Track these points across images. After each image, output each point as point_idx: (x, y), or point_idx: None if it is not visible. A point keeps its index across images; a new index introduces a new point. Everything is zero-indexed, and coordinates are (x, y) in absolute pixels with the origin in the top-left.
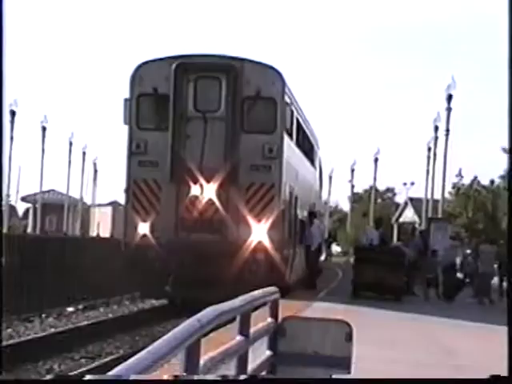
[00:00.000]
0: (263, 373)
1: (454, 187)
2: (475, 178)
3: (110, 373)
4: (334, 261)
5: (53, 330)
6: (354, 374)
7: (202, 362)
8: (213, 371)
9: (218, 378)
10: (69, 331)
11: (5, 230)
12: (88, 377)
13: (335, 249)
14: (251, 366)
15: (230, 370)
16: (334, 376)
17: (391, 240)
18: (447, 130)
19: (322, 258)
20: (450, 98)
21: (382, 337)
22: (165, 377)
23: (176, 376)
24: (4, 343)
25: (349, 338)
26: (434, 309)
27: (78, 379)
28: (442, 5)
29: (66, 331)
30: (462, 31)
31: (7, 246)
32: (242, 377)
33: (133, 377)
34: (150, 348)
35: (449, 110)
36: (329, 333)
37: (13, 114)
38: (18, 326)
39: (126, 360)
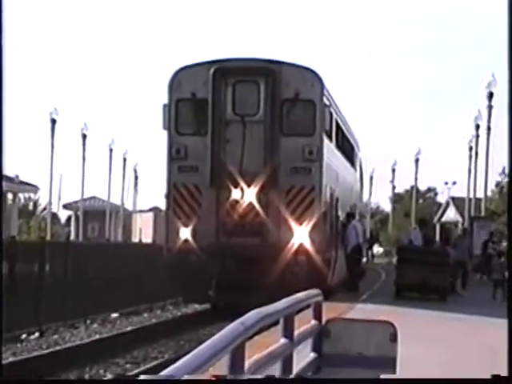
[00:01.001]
0: (308, 374)
1: (497, 185)
2: None
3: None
4: (376, 262)
5: (98, 336)
6: (400, 374)
7: (246, 364)
8: (258, 374)
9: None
10: (113, 337)
11: (48, 238)
12: (142, 377)
13: (377, 250)
14: (296, 369)
15: (274, 372)
16: (380, 377)
17: (434, 240)
18: (488, 128)
19: (364, 259)
20: (490, 95)
21: (426, 337)
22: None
23: (222, 376)
24: (51, 349)
25: (393, 338)
26: (481, 309)
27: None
28: (481, 2)
29: (110, 337)
30: (502, 27)
31: (51, 253)
32: (289, 377)
33: (186, 376)
34: (195, 351)
35: (490, 107)
36: (373, 334)
37: (53, 122)
38: (63, 332)
39: (170, 365)
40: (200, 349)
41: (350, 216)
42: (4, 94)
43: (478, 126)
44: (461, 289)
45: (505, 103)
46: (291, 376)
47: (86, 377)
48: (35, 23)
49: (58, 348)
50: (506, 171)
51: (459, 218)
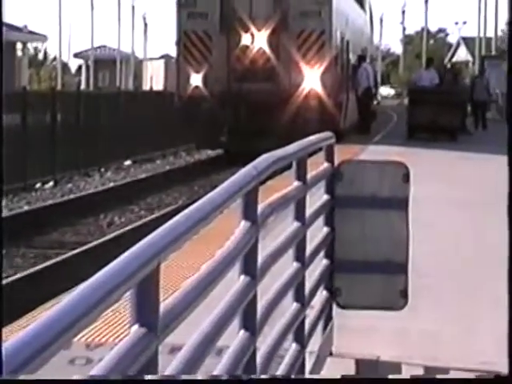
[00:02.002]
0: (321, 217)
1: (508, 24)
2: None
3: (170, 223)
4: (388, 104)
5: (112, 183)
6: (411, 215)
7: (260, 208)
8: (271, 217)
9: (271, 377)
10: (127, 184)
11: (59, 88)
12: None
13: (388, 92)
14: (309, 211)
15: (288, 215)
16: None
17: (446, 79)
18: None
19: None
20: None
21: (437, 176)
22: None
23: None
24: (65, 198)
25: (406, 178)
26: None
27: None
28: None
29: (124, 184)
30: None
31: (62, 103)
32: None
33: (183, 377)
34: (207, 197)
35: None
36: (385, 174)
37: None
38: (77, 180)
39: (184, 209)
40: (212, 194)
41: (361, 59)
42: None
43: None
44: (482, 128)
45: None
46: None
47: (103, 223)
48: None
49: (72, 196)
50: None
51: (470, 58)
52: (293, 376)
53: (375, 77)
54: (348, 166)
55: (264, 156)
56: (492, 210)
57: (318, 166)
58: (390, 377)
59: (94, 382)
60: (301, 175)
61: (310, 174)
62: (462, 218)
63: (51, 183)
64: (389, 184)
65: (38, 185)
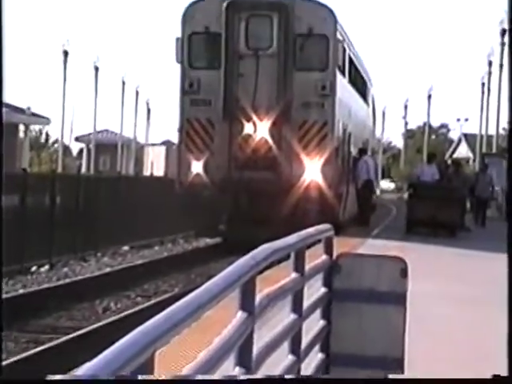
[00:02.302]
0: (318, 309)
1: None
2: None
3: (167, 311)
4: (388, 197)
5: (108, 268)
6: (409, 310)
7: (257, 299)
8: (268, 309)
9: (273, 377)
10: (124, 270)
11: (59, 171)
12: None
13: (389, 185)
14: (307, 303)
15: (285, 307)
16: (388, 308)
17: (446, 174)
18: (501, 65)
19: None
20: (503, 32)
21: (436, 272)
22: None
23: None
24: (61, 282)
25: (404, 274)
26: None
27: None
28: None
29: (121, 270)
30: None
31: (62, 186)
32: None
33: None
34: (205, 286)
35: (503, 44)
36: (384, 269)
37: (66, 54)
38: (73, 265)
39: (180, 298)
40: (210, 283)
41: (362, 151)
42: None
43: (490, 63)
44: (480, 225)
45: None
46: (303, 308)
47: (98, 309)
48: None
49: (67, 280)
50: None
51: (471, 155)
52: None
53: (376, 170)
54: (346, 259)
55: (263, 246)
56: (490, 308)
57: (316, 258)
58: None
59: (94, 383)
60: (299, 267)
61: (308, 266)
62: (459, 315)
63: (47, 266)
64: (387, 279)
65: (34, 268)
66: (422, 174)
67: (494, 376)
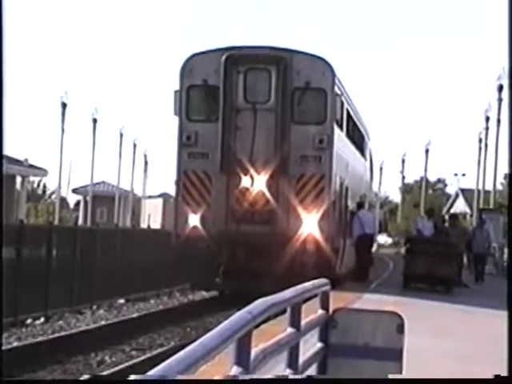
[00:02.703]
0: (314, 365)
1: (505, 178)
2: None
3: (160, 367)
4: (385, 252)
5: (103, 321)
6: (406, 365)
7: (253, 354)
8: (264, 363)
9: (272, 377)
10: (119, 323)
11: (56, 222)
12: (132, 377)
13: (386, 240)
14: (302, 358)
15: (281, 362)
16: (388, 375)
17: (444, 229)
18: (498, 121)
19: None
20: (501, 87)
21: (433, 328)
22: (216, 377)
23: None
24: (56, 335)
25: (400, 329)
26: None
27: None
28: None
29: (116, 323)
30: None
31: (58, 238)
32: (294, 377)
33: (179, 377)
34: (201, 340)
35: (500, 100)
36: (380, 324)
37: (64, 106)
38: (68, 317)
39: (176, 352)
40: (206, 337)
41: (360, 206)
42: (4, 72)
43: (487, 118)
44: (480, 281)
45: None
46: (299, 374)
47: (93, 362)
48: (48, 7)
49: (63, 333)
50: None
51: (468, 210)
52: (294, 376)
53: (374, 224)
54: (343, 314)
55: (259, 300)
56: (490, 365)
57: (313, 312)
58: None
59: (93, 382)
60: (295, 321)
61: (304, 320)
62: (455, 372)
63: (42, 319)
64: (383, 334)
65: (29, 320)
66: (423, 229)
67: (494, 376)
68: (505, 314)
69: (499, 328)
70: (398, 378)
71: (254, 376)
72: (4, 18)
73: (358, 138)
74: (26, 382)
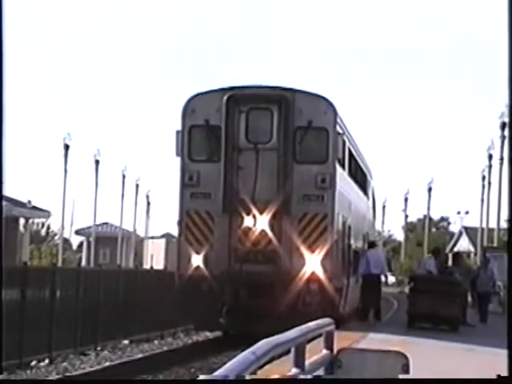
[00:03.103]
0: None
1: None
2: None
3: None
4: (389, 291)
5: (108, 363)
6: None
7: None
8: None
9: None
10: (123, 364)
11: (59, 264)
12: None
13: (389, 279)
14: None
15: None
16: None
17: (448, 268)
18: (501, 159)
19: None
20: (503, 125)
21: (439, 367)
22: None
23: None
24: (60, 376)
25: (406, 369)
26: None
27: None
28: (491, 27)
29: (120, 364)
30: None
31: (62, 279)
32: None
33: (248, 376)
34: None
35: (503, 137)
36: (385, 364)
37: (66, 147)
38: (73, 359)
39: None
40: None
41: (371, 245)
42: (4, 109)
43: (490, 156)
44: (483, 321)
45: None
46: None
47: None
48: (50, 45)
49: (67, 375)
50: None
51: (472, 248)
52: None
53: (380, 263)
54: (347, 354)
55: (263, 341)
56: None
57: (317, 352)
58: (390, 377)
59: (95, 382)
60: (299, 361)
61: (308, 361)
62: None
63: (47, 361)
64: (388, 374)
65: (34, 362)
66: (425, 268)
67: (501, 377)
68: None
69: (497, 366)
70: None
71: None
72: (4, 57)
73: (360, 177)
74: (25, 382)
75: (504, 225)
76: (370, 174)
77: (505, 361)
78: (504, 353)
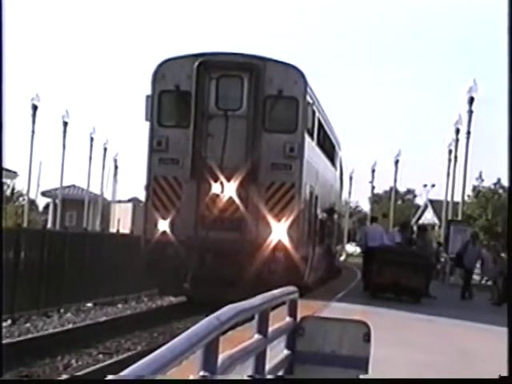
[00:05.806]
0: (281, 372)
1: (473, 190)
2: (499, 180)
3: (127, 371)
4: (354, 261)
5: (71, 325)
6: (372, 374)
7: (220, 359)
8: (231, 369)
9: (245, 378)
10: (87, 327)
11: (25, 225)
12: (110, 377)
13: (354, 249)
14: (269, 365)
15: (247, 368)
16: (351, 377)
17: (412, 240)
18: (468, 133)
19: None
20: (471, 100)
21: (398, 338)
22: (191, 377)
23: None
24: (22, 338)
25: (367, 338)
26: (451, 311)
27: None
28: (463, 3)
29: (84, 327)
30: (484, 33)
31: (27, 240)
32: (257, 376)
33: (159, 377)
34: (168, 345)
35: (470, 112)
36: (347, 333)
37: (35, 108)
38: (36, 320)
39: (143, 356)
40: (173, 342)
41: (374, 219)
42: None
43: (458, 130)
44: (468, 297)
45: (484, 109)
46: (268, 376)
47: (59, 365)
48: (18, 7)
49: (29, 336)
50: (483, 176)
51: (436, 221)
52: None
53: (383, 237)
54: (310, 322)
55: (227, 307)
56: (454, 375)
57: (280, 319)
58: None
59: (93, 382)
60: (262, 328)
61: (271, 328)
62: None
63: (9, 321)
64: (350, 343)
65: None
66: (392, 239)
67: (503, 377)
68: (467, 324)
69: (462, 337)
70: (399, 378)
71: (230, 377)
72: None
73: (328, 148)
74: (26, 382)
75: (468, 199)
76: (338, 145)
77: (461, 331)
78: (462, 324)
